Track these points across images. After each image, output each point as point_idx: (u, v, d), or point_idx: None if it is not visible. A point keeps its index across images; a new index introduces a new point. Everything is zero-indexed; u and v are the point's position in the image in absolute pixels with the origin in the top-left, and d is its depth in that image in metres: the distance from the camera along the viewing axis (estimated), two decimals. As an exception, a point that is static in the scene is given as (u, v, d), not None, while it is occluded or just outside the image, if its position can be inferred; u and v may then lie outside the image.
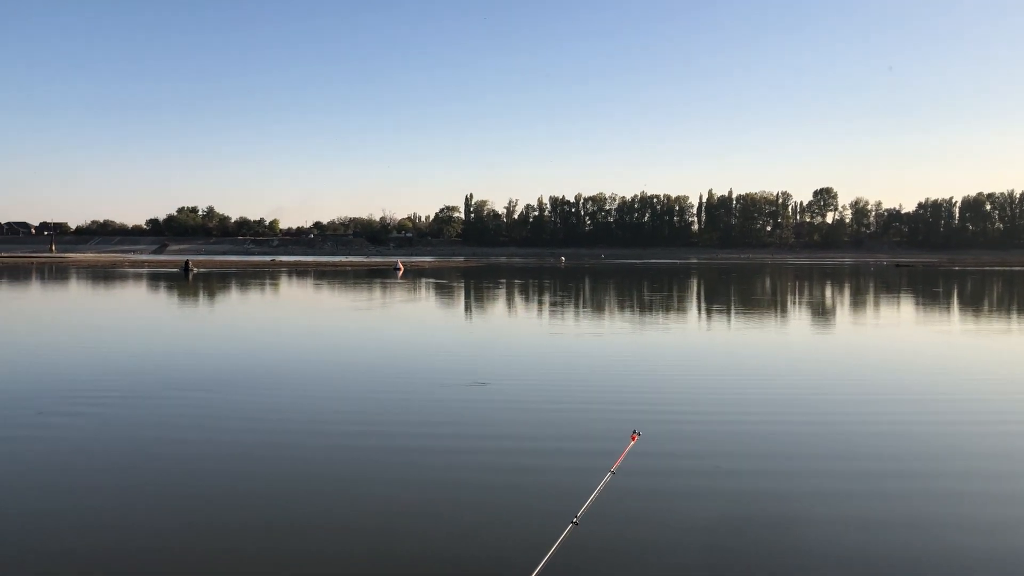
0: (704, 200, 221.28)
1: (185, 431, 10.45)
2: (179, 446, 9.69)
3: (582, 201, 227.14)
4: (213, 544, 6.59)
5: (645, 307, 34.11)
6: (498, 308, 34.28)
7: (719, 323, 27.53)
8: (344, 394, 13.15)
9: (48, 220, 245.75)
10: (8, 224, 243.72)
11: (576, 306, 34.97)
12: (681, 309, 33.70)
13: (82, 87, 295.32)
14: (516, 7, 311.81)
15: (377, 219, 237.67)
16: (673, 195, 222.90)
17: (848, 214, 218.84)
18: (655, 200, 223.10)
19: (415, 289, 48.40)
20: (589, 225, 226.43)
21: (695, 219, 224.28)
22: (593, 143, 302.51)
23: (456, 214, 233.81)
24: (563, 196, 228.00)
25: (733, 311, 32.56)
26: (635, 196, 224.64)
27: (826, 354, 19.82)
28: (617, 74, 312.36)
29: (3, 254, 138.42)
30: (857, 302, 39.52)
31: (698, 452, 9.59)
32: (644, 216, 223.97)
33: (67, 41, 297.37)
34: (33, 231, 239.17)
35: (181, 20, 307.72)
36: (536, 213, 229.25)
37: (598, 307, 34.74)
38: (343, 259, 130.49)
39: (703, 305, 36.75)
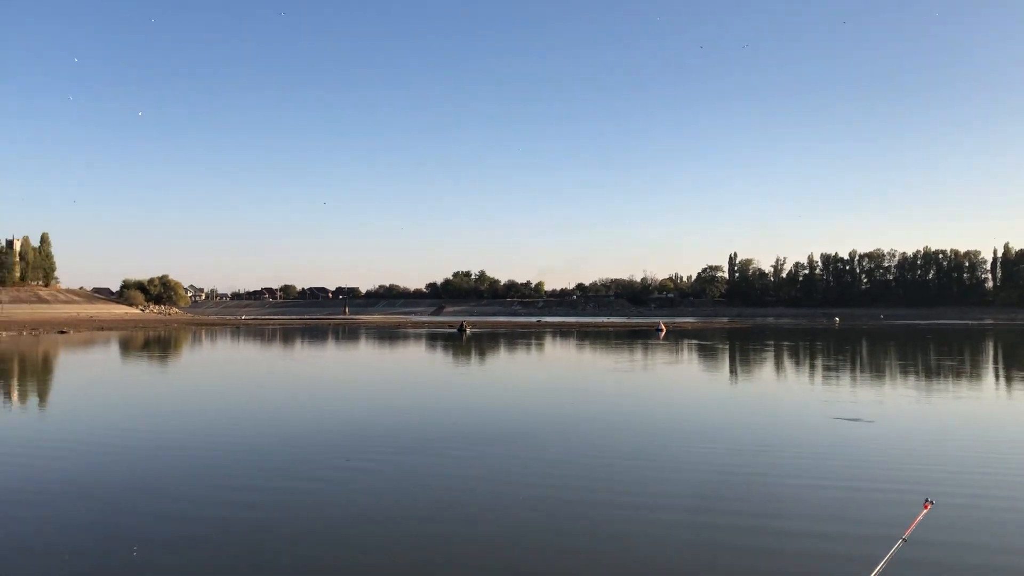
0: (999, 255, 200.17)
1: (467, 483, 11.14)
2: (463, 496, 10.36)
3: (857, 258, 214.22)
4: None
5: (933, 373, 31.41)
6: (767, 371, 33.10)
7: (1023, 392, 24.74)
8: (614, 458, 13.34)
9: (343, 285, 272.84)
10: (310, 289, 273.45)
11: (854, 370, 32.92)
12: (976, 375, 30.60)
13: (376, 170, 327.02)
14: (799, 59, 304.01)
15: (638, 280, 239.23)
16: (961, 249, 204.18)
17: None
18: (940, 256, 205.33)
19: (678, 351, 47.96)
20: (865, 283, 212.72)
21: (988, 276, 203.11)
22: (870, 196, 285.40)
23: (719, 273, 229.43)
24: (835, 253, 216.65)
25: (1040, 378, 29.08)
26: (917, 252, 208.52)
27: None
28: (886, 124, 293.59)
29: (305, 316, 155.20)
30: None
31: (997, 529, 8.72)
32: (928, 273, 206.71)
33: (356, 130, 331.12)
34: (330, 295, 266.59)
35: (455, 97, 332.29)
36: (806, 271, 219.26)
37: (878, 372, 32.48)
38: (605, 320, 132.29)
39: (1004, 372, 33.15)
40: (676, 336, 68.73)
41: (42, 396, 23.84)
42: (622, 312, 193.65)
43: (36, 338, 62.68)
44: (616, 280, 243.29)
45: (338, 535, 8.64)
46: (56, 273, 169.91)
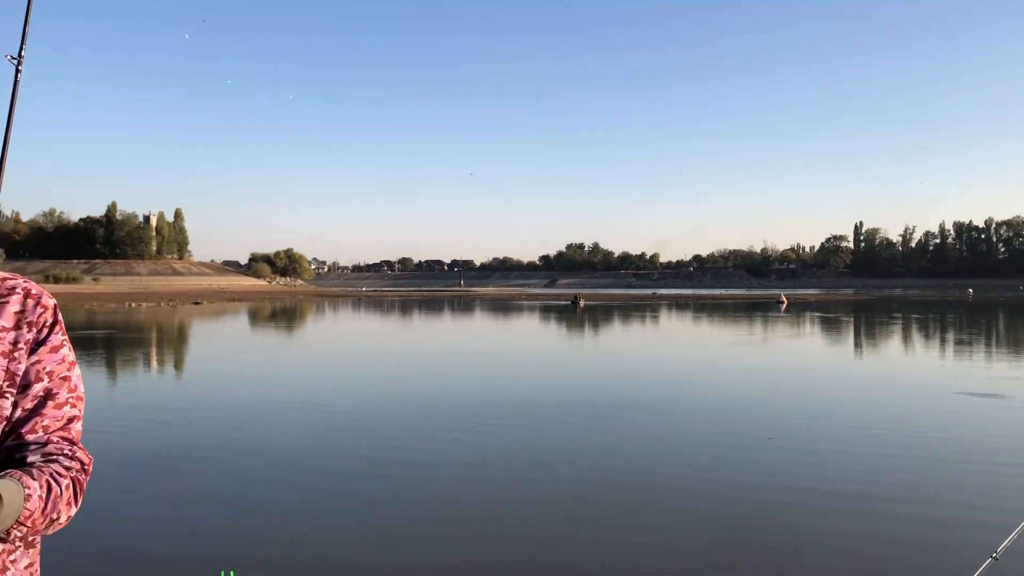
0: None
1: (576, 455, 11.26)
2: (570, 469, 10.49)
3: (994, 226, 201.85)
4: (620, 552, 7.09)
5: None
6: (893, 345, 31.85)
7: None
8: (728, 435, 13.19)
9: (457, 258, 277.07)
10: (426, 262, 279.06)
11: (988, 344, 31.28)
12: None
13: (489, 142, 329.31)
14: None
15: (757, 250, 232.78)
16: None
17: None
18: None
19: (800, 324, 46.67)
20: (1003, 253, 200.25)
21: None
22: (1008, 160, 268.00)
23: (844, 243, 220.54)
24: (970, 221, 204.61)
25: None
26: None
27: None
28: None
29: (422, 288, 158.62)
30: None
31: None
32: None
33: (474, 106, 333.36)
34: (445, 268, 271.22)
35: (571, 67, 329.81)
36: (936, 240, 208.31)
37: (1015, 346, 30.77)
38: (722, 292, 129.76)
39: None
40: (798, 308, 66.82)
41: (181, 364, 25.36)
42: (741, 284, 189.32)
43: (173, 308, 66.42)
44: (735, 251, 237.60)
45: (463, 499, 8.91)
46: (189, 246, 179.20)
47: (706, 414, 14.63)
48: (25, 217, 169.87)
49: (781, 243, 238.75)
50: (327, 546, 7.27)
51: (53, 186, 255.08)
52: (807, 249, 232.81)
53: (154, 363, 24.90)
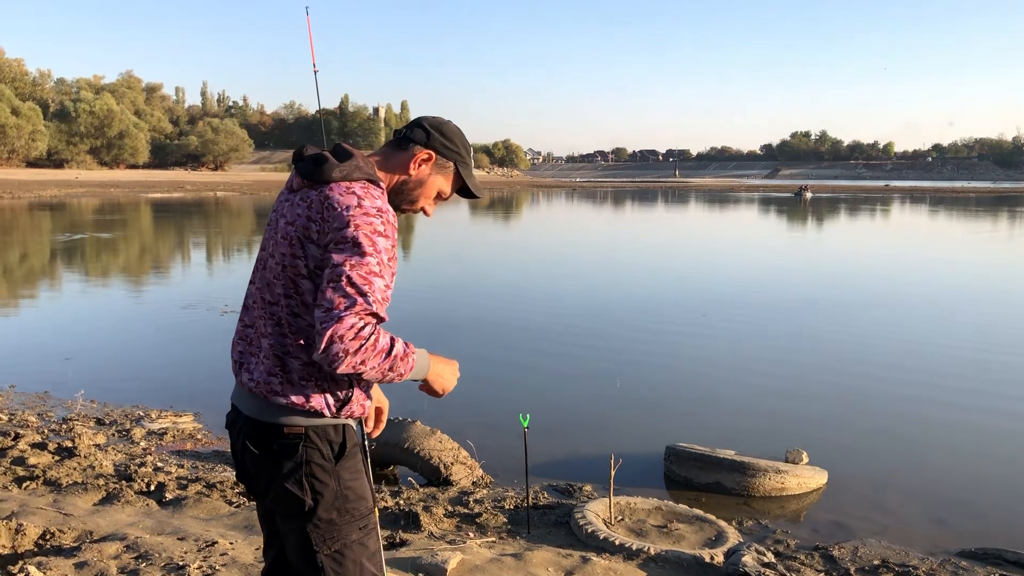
0: None
1: (805, 342, 11.28)
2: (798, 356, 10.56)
3: None
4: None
5: None
6: None
7: None
8: (946, 342, 12.64)
9: (673, 148, 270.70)
10: (640, 152, 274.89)
11: None
12: None
13: (703, 26, 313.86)
14: None
15: (1008, 139, 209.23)
16: None
17: None
18: None
19: (1055, 220, 42.28)
20: None
21: None
22: None
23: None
24: None
25: None
26: None
27: None
28: None
29: (636, 179, 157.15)
30: None
31: None
32: None
33: None
34: (660, 158, 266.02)
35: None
36: None
37: None
38: (964, 184, 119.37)
39: None
40: (1053, 204, 60.28)
41: (413, 247, 27.18)
42: (986, 176, 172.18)
43: (401, 197, 70.21)
44: (981, 140, 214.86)
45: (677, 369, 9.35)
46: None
47: (935, 315, 14.01)
48: (268, 110, 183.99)
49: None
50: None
51: (292, 79, 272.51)
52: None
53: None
